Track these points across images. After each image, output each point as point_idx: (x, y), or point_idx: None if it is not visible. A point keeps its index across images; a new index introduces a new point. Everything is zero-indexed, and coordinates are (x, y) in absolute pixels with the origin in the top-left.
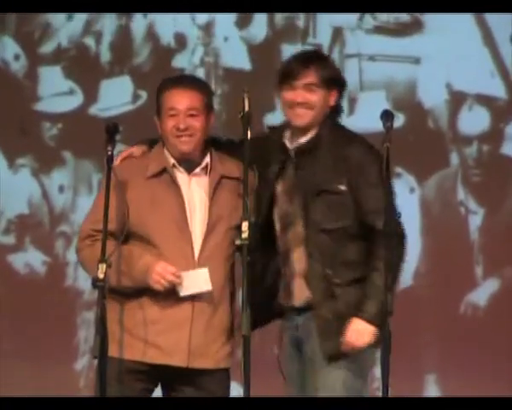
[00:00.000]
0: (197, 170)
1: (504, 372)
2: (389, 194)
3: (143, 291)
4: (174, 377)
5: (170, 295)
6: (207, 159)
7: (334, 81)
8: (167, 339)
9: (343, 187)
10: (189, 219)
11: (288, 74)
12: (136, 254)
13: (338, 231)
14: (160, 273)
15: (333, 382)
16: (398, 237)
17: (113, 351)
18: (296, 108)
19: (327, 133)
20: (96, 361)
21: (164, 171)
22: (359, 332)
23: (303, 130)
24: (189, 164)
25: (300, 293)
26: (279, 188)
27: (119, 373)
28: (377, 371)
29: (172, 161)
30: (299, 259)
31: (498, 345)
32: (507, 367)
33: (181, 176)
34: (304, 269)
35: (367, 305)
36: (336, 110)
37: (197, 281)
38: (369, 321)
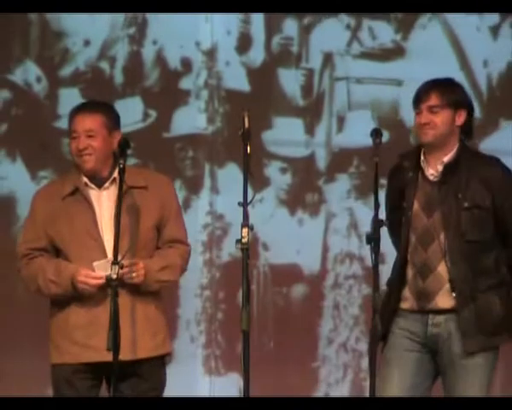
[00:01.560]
0: (106, 184)
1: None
2: None
3: (71, 298)
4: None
5: (94, 298)
6: (115, 173)
7: (459, 103)
8: (99, 340)
9: (488, 203)
10: (101, 230)
11: (415, 99)
12: (62, 266)
13: (479, 243)
14: (84, 281)
15: (472, 379)
16: None
17: (55, 358)
18: (422, 128)
19: (466, 153)
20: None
21: (77, 190)
22: None
23: (438, 149)
24: (99, 180)
25: (445, 298)
26: (415, 206)
27: (67, 376)
28: (364, 363)
29: (85, 179)
30: (443, 269)
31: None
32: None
33: (93, 192)
34: (449, 276)
35: None
36: (465, 131)
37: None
38: None
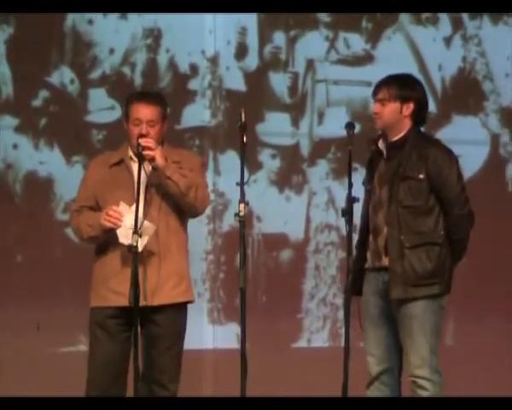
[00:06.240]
0: (146, 161)
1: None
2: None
3: (107, 250)
4: (141, 314)
5: (125, 252)
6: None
7: (405, 97)
8: (126, 287)
9: (422, 176)
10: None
11: (372, 92)
12: (96, 213)
13: (414, 207)
14: (106, 213)
15: (406, 325)
16: (469, 217)
17: (93, 302)
18: (374, 116)
19: (412, 136)
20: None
21: (122, 161)
22: None
23: (390, 134)
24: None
25: (386, 256)
26: (375, 181)
27: (100, 318)
28: (340, 314)
29: (130, 153)
30: (387, 232)
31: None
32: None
33: (135, 165)
34: (386, 236)
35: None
36: (415, 120)
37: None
38: None
